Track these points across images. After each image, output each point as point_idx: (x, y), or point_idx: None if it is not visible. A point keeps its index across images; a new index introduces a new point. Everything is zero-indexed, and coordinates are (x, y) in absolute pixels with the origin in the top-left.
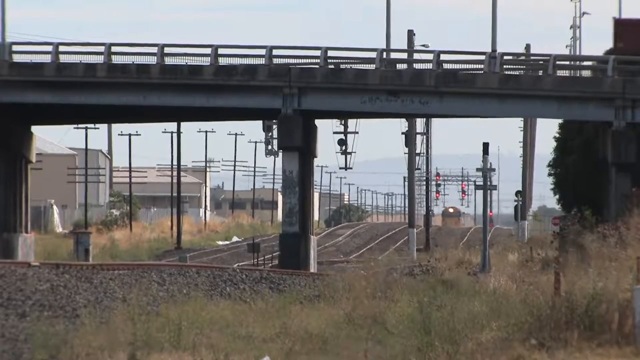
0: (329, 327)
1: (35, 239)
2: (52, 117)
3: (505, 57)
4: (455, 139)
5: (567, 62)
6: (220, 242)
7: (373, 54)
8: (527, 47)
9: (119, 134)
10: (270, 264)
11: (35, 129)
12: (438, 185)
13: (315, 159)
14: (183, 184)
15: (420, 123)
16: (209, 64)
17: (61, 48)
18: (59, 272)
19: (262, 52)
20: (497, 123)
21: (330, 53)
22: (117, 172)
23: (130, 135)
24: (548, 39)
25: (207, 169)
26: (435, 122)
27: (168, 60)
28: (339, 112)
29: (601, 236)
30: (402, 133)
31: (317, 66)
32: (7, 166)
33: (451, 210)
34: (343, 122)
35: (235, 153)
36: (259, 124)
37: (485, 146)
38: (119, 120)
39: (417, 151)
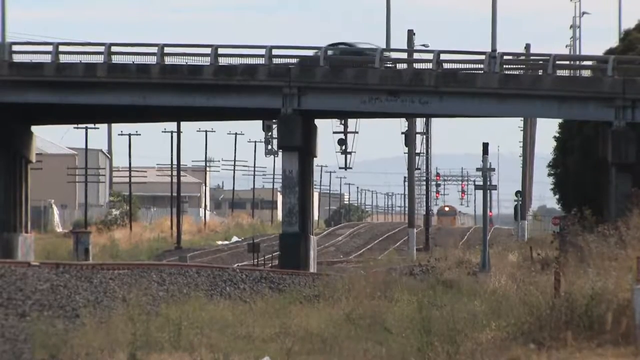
0: (329, 327)
1: (35, 239)
2: (52, 117)
3: (505, 57)
4: (455, 139)
5: (567, 62)
6: (220, 242)
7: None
8: (527, 47)
9: (119, 134)
10: (270, 264)
11: (35, 129)
12: (438, 185)
13: (315, 158)
14: (183, 184)
15: (420, 123)
16: (209, 64)
17: (61, 48)
18: (58, 271)
19: (262, 52)
20: (497, 123)
21: (330, 53)
22: (117, 172)
23: (130, 135)
24: (548, 39)
25: (207, 169)
26: (435, 122)
27: (168, 60)
28: (339, 112)
29: (601, 236)
30: (402, 133)
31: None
32: (7, 166)
33: (447, 208)
34: (343, 122)
35: (235, 153)
36: (259, 123)
37: (485, 146)
38: (119, 120)
39: (417, 151)
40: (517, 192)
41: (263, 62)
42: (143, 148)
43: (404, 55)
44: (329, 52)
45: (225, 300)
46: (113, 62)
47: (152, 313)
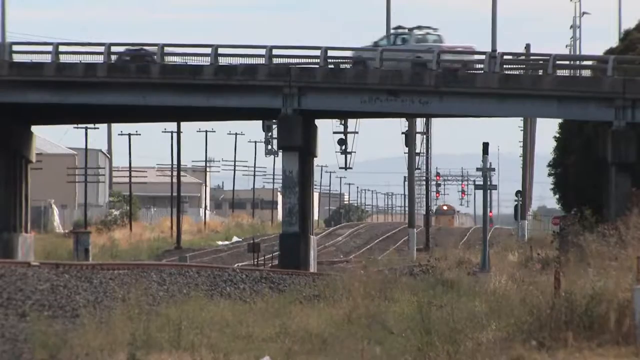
0: (329, 327)
1: (35, 239)
2: (52, 117)
3: (505, 57)
4: (455, 139)
5: (567, 62)
6: (220, 242)
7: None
8: (527, 47)
9: (119, 134)
10: (270, 264)
11: (35, 129)
12: (438, 185)
13: (315, 158)
14: (183, 184)
15: (420, 123)
16: (209, 64)
17: (61, 48)
18: (58, 272)
19: (262, 52)
20: (497, 123)
21: (330, 53)
22: (117, 172)
23: (130, 135)
24: (548, 39)
25: (207, 169)
26: (435, 122)
27: (168, 60)
28: (339, 112)
29: (601, 236)
30: (402, 133)
31: (317, 66)
32: (7, 166)
33: (445, 207)
34: (343, 122)
35: (235, 153)
36: (259, 124)
37: (485, 146)
38: (119, 120)
39: (417, 151)
40: (517, 192)
41: (263, 62)
42: (143, 148)
43: None
44: None
45: (225, 300)
46: (113, 62)
47: (152, 313)
